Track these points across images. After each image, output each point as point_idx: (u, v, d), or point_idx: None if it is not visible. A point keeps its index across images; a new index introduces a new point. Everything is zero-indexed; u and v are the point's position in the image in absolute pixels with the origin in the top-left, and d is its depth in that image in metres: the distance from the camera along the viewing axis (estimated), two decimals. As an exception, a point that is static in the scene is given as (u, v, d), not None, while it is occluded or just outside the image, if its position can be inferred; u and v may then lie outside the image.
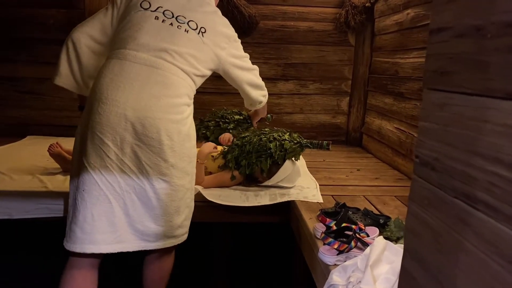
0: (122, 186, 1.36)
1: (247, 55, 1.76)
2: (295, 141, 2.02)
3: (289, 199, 1.92)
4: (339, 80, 3.24)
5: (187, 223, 1.57)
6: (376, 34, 3.02)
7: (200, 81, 1.57)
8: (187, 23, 1.49)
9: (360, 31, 3.09)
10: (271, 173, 2.01)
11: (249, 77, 1.78)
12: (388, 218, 1.62)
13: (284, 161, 1.97)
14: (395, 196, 2.03)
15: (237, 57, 1.66)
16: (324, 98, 3.27)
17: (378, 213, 1.74)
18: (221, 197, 1.90)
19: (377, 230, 1.50)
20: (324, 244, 1.34)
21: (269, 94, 3.18)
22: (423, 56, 2.25)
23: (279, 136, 2.03)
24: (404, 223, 1.47)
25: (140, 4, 1.49)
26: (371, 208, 1.83)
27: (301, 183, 2.11)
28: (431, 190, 0.62)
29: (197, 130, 2.41)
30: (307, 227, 1.60)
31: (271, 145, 1.96)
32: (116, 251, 1.38)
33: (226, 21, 1.64)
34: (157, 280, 1.59)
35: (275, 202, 1.90)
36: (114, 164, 1.35)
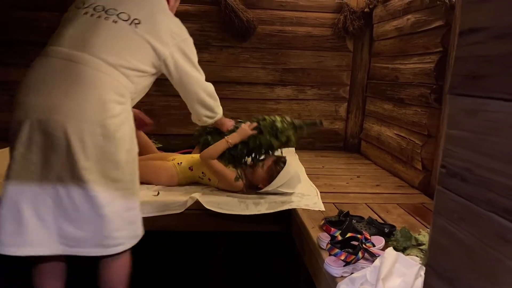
0: (34, 189, 1.30)
1: (198, 67, 1.68)
2: (288, 121, 2.01)
3: (290, 207, 1.87)
4: (337, 86, 3.21)
5: (121, 235, 1.41)
6: (374, 40, 3.00)
7: (140, 78, 1.47)
8: (117, 15, 1.44)
9: (358, 36, 3.07)
10: (271, 178, 1.95)
11: (192, 87, 1.68)
12: (393, 227, 1.58)
13: (277, 139, 1.95)
14: (397, 203, 1.99)
15: (183, 58, 1.58)
16: (322, 103, 3.23)
17: (382, 221, 1.70)
18: (220, 205, 1.85)
19: (383, 240, 1.46)
20: (330, 255, 1.29)
21: (267, 99, 3.20)
22: (424, 62, 2.23)
23: (272, 119, 2.02)
24: (410, 232, 1.43)
25: (75, 5, 1.50)
26: (374, 216, 1.78)
27: (301, 191, 2.06)
28: (461, 203, 0.57)
29: (199, 137, 2.31)
30: (310, 237, 1.55)
31: (261, 124, 1.97)
32: (27, 254, 1.32)
33: (174, 20, 1.57)
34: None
35: (276, 210, 1.85)
36: (23, 165, 1.30)
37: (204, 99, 1.75)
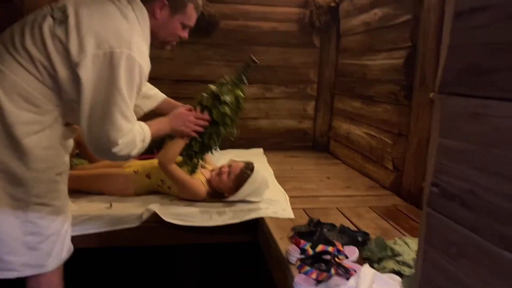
0: None
1: (125, 102, 1.19)
2: (225, 81, 1.70)
3: (257, 216, 1.73)
4: (305, 84, 3.11)
5: (15, 260, 1.21)
6: (342, 35, 2.91)
7: (61, 86, 1.17)
8: (51, 13, 1.20)
9: (325, 32, 2.97)
10: (238, 187, 1.80)
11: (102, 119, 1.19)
12: (367, 234, 1.48)
13: (226, 105, 1.64)
14: (369, 206, 1.90)
15: (100, 75, 1.15)
16: (289, 102, 3.12)
17: (354, 228, 1.59)
18: (180, 217, 1.68)
19: (356, 251, 1.34)
20: (300, 272, 1.16)
21: None
22: (393, 58, 2.15)
23: (208, 90, 1.69)
24: (385, 242, 1.32)
25: None
26: (346, 222, 1.67)
27: (269, 196, 1.93)
28: (462, 234, 0.44)
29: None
30: (278, 250, 1.41)
31: (204, 101, 1.64)
32: None
33: (117, 24, 1.18)
34: None
35: (242, 220, 1.70)
36: None
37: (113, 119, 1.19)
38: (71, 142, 1.37)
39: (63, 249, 1.31)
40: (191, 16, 1.40)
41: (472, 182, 0.42)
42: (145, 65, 1.24)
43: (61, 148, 1.28)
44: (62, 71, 1.16)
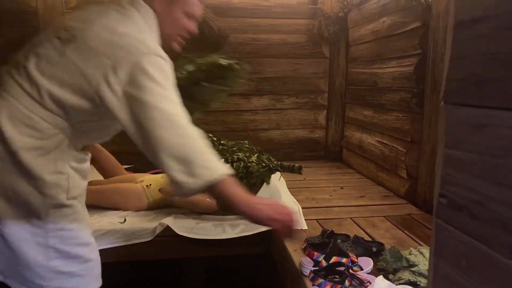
0: None
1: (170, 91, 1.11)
2: (264, 164, 1.80)
3: (270, 228, 1.72)
4: (315, 93, 3.11)
5: (47, 285, 1.19)
6: (351, 45, 2.91)
7: (69, 113, 1.13)
8: (58, 34, 1.15)
9: (334, 42, 2.98)
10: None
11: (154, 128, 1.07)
12: (381, 245, 1.46)
13: (250, 185, 1.75)
14: (384, 216, 1.87)
15: (133, 80, 1.06)
16: (301, 112, 3.12)
17: (369, 239, 1.57)
18: (194, 230, 1.69)
19: (371, 262, 1.32)
20: (314, 285, 1.15)
21: (243, 110, 3.07)
22: (403, 65, 2.14)
23: (246, 157, 1.79)
24: (400, 252, 1.30)
25: None
26: (360, 232, 1.65)
27: (282, 207, 1.92)
28: (471, 246, 0.44)
29: None
30: (292, 262, 1.40)
31: (234, 165, 1.74)
32: None
33: (128, 30, 1.11)
34: None
35: (255, 232, 1.70)
36: None
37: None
38: (85, 166, 1.28)
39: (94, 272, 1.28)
40: (193, 3, 1.25)
41: (479, 192, 0.42)
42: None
43: (73, 172, 1.21)
44: (75, 95, 1.11)
